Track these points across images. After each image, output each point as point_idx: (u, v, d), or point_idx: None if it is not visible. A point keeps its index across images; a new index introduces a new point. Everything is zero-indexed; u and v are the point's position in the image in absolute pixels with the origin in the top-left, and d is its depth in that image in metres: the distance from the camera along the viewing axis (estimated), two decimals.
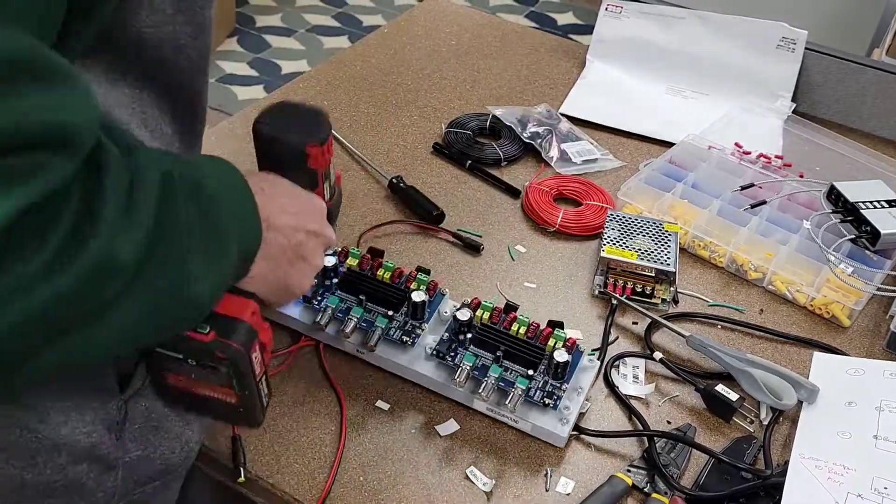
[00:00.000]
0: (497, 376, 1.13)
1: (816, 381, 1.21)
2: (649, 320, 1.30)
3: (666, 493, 1.08)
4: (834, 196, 1.45)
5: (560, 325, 1.19)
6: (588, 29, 2.06)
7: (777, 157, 1.64)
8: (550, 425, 1.12)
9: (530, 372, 1.14)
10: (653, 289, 1.34)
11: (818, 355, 1.28)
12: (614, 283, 1.35)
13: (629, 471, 1.11)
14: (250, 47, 4.29)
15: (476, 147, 1.66)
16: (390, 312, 1.20)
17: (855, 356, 1.29)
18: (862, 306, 1.35)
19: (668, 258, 1.34)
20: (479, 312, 1.20)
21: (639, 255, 1.34)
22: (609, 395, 1.22)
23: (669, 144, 1.69)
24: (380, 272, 1.23)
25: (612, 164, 1.66)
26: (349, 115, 1.72)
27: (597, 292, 1.36)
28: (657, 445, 1.13)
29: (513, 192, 1.56)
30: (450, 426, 1.15)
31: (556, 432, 1.12)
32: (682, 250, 1.44)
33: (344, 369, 1.21)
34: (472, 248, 1.43)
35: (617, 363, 1.26)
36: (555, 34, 2.21)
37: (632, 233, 1.38)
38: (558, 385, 1.14)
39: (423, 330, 1.20)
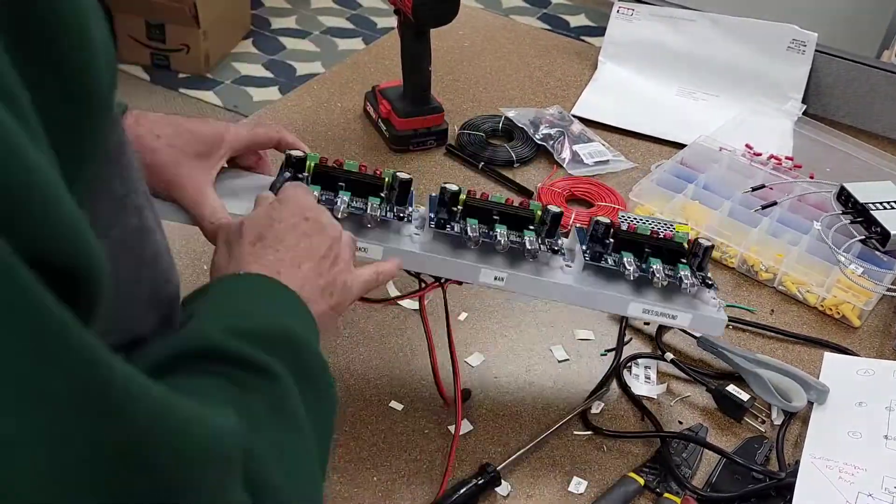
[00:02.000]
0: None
1: (827, 381, 1.22)
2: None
3: (678, 493, 1.08)
4: (844, 197, 1.45)
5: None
6: (600, 31, 2.07)
7: (787, 158, 1.64)
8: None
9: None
10: None
11: (829, 355, 1.29)
12: None
13: (641, 471, 1.12)
14: (265, 49, 4.31)
15: (489, 148, 1.67)
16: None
17: (865, 356, 1.30)
18: (872, 307, 1.35)
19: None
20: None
21: None
22: (622, 395, 1.23)
23: (681, 146, 1.70)
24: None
25: (624, 166, 1.67)
26: (363, 117, 1.74)
27: None
28: (669, 445, 1.14)
29: (525, 193, 1.57)
30: (463, 426, 1.16)
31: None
32: None
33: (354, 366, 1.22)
34: None
35: (629, 364, 1.27)
36: (567, 36, 2.22)
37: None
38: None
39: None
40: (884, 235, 1.37)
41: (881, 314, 1.39)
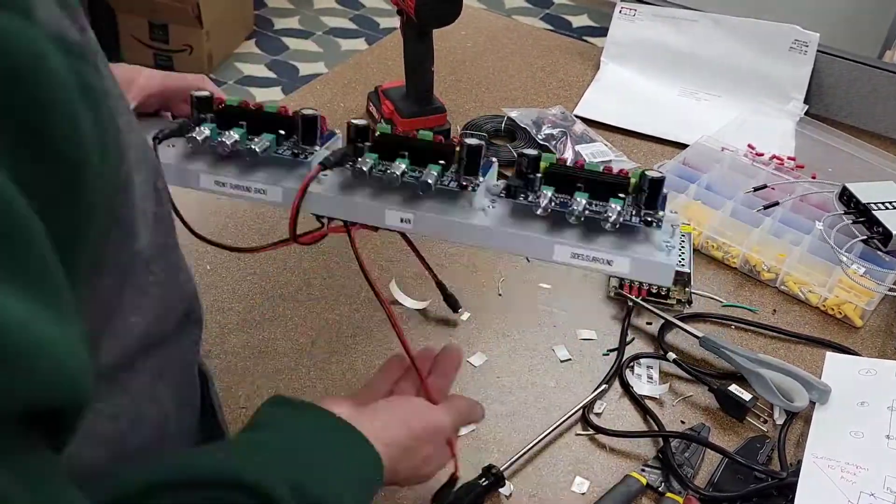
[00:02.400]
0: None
1: (829, 381, 1.22)
2: (662, 321, 1.31)
3: (680, 493, 1.09)
4: (846, 197, 1.46)
5: None
6: (602, 31, 2.07)
7: (790, 158, 1.65)
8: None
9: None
10: (668, 290, 1.35)
11: (831, 355, 1.29)
12: (630, 284, 1.36)
13: (644, 470, 1.12)
14: (268, 49, 4.32)
15: (491, 148, 1.67)
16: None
17: (867, 356, 1.30)
18: (874, 306, 1.36)
19: (683, 259, 1.35)
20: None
21: None
22: (623, 395, 1.23)
23: (683, 146, 1.71)
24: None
25: (627, 166, 1.67)
26: (366, 118, 1.73)
27: (612, 294, 1.37)
28: (671, 445, 1.14)
29: None
30: (466, 426, 1.16)
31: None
32: (696, 251, 1.46)
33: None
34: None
35: (632, 364, 1.27)
36: (569, 36, 2.22)
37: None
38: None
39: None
40: (886, 235, 1.38)
41: (883, 314, 1.39)
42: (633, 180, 0.93)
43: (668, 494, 1.09)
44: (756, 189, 1.52)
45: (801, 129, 1.76)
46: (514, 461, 1.11)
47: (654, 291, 1.35)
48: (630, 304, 1.34)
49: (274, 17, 4.56)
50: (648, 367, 1.27)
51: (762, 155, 1.65)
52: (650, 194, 0.92)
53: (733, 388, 1.21)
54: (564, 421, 1.17)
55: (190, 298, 0.75)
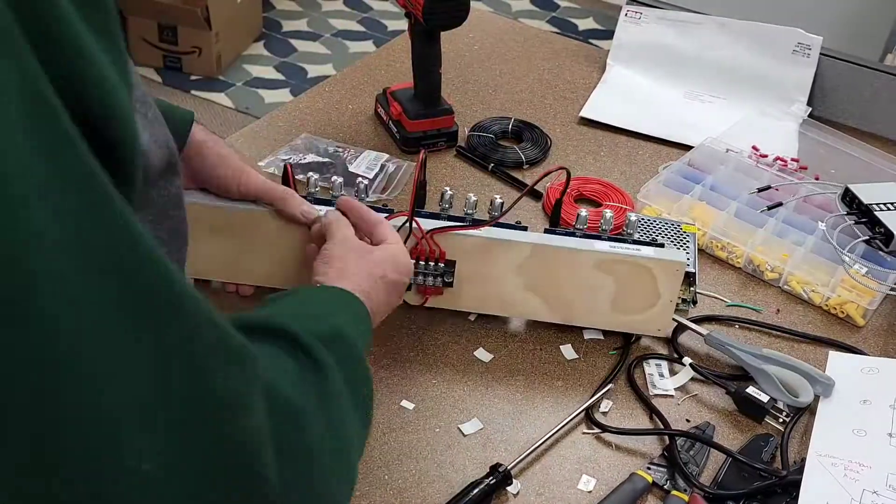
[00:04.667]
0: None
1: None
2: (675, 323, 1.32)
3: (685, 491, 1.10)
4: (849, 198, 1.47)
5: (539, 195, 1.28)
6: (608, 34, 2.09)
7: (793, 159, 1.66)
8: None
9: None
10: None
11: (833, 354, 1.30)
12: None
13: (649, 468, 1.13)
14: (277, 51, 4.34)
15: (499, 150, 1.69)
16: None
17: (869, 355, 1.31)
18: (876, 306, 1.37)
19: (688, 259, 1.36)
20: None
21: None
22: (629, 393, 1.24)
23: (688, 147, 1.72)
24: None
25: None
26: (374, 119, 1.75)
27: None
28: (677, 443, 1.15)
29: (534, 194, 1.59)
30: (474, 425, 1.18)
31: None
32: (701, 251, 1.47)
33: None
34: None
35: (640, 362, 1.28)
36: (576, 39, 2.24)
37: (651, 234, 1.40)
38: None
39: None
40: (887, 236, 1.39)
41: (885, 313, 1.40)
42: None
43: (674, 492, 1.10)
44: (760, 190, 1.53)
45: (804, 130, 1.77)
46: (522, 459, 1.12)
47: None
48: None
49: (282, 20, 4.58)
50: (657, 364, 1.28)
51: (766, 156, 1.66)
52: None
53: (751, 389, 1.21)
54: (571, 419, 1.18)
55: (171, 146, 0.79)
